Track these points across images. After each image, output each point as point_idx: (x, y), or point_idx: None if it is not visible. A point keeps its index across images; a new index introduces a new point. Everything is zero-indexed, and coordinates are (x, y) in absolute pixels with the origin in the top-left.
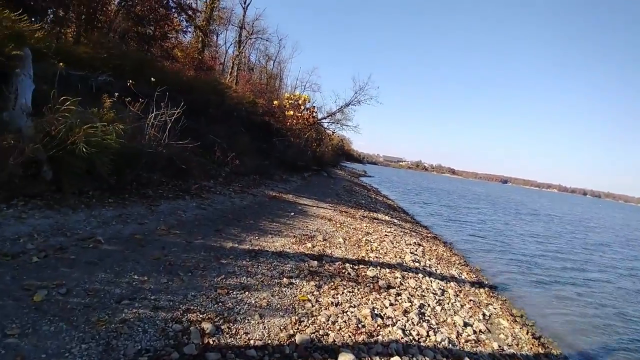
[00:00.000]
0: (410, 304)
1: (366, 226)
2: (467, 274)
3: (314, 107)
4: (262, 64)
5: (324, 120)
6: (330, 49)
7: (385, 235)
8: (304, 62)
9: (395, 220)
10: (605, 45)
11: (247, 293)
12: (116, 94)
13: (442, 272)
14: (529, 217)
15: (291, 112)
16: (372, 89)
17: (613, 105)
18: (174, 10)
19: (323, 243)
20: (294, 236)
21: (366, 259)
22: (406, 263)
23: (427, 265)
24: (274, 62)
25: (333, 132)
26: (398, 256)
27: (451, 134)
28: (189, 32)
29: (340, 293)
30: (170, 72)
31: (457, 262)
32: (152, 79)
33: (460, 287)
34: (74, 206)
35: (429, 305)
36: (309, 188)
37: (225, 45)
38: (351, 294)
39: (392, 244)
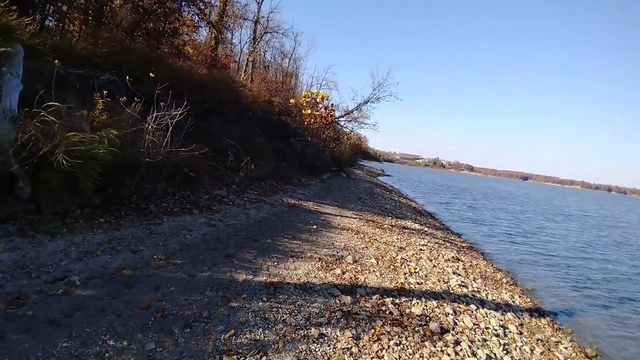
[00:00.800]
0: (475, 359)
1: (397, 239)
2: (520, 297)
3: (332, 105)
4: (278, 61)
5: (341, 119)
6: (347, 45)
7: (420, 249)
8: (319, 60)
9: (426, 229)
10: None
11: (264, 359)
12: (117, 95)
13: (494, 297)
14: (560, 217)
15: (309, 111)
16: (392, 85)
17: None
18: (183, 3)
19: (353, 266)
20: (319, 258)
21: (406, 286)
22: (453, 289)
23: (476, 289)
24: (289, 60)
25: (351, 131)
26: (441, 279)
27: (470, 130)
28: (201, 27)
29: (385, 347)
30: (181, 70)
31: (504, 280)
32: (151, 74)
33: (519, 318)
34: (52, 231)
35: (495, 356)
36: (330, 192)
37: (240, 44)
38: (399, 347)
39: (430, 261)
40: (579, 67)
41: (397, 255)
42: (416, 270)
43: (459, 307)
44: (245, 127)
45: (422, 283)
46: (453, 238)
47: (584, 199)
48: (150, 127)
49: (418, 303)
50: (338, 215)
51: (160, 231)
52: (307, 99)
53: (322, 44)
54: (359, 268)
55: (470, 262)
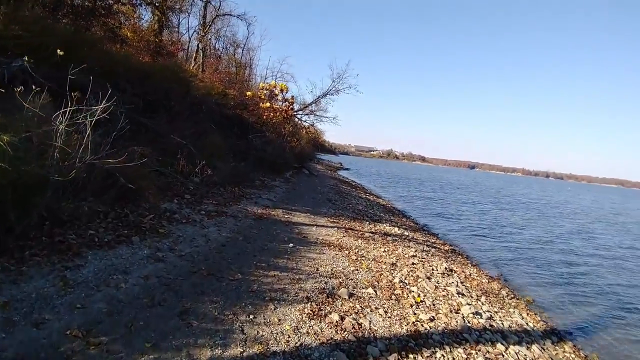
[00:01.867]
0: None
1: (385, 252)
2: (528, 314)
3: (293, 97)
4: (230, 52)
5: (300, 112)
6: (302, 36)
7: (413, 264)
8: (276, 51)
9: (406, 233)
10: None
11: None
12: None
13: (510, 323)
14: (512, 206)
15: (267, 104)
16: (351, 77)
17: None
18: None
19: (351, 304)
20: (307, 297)
21: (421, 327)
22: (469, 321)
23: (487, 314)
24: (242, 50)
25: (312, 125)
26: (452, 308)
27: (421, 123)
28: (141, 6)
29: None
30: (118, 56)
31: (504, 293)
32: (59, 52)
33: (544, 349)
34: None
35: None
36: (297, 195)
37: (188, 33)
38: None
39: (429, 279)
40: (518, 59)
41: (394, 277)
42: (421, 299)
43: (488, 352)
44: (199, 124)
45: (435, 319)
46: (433, 241)
47: (527, 185)
48: (60, 128)
49: (443, 357)
50: (313, 225)
51: (80, 280)
52: (265, 91)
53: (278, 34)
54: (357, 306)
55: (463, 271)
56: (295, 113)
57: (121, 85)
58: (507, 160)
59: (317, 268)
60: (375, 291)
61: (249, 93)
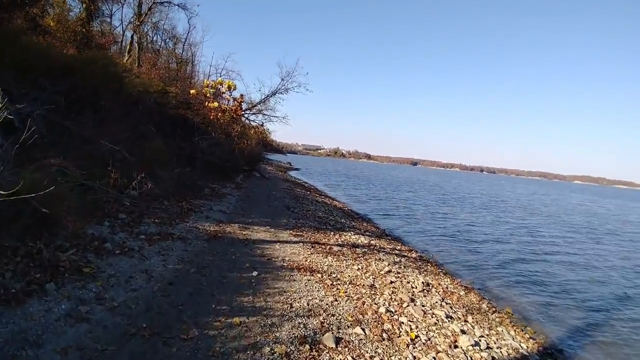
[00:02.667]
0: None
1: (359, 269)
2: (517, 333)
3: (242, 95)
4: (170, 46)
5: (248, 112)
6: (248, 33)
7: (391, 282)
8: (219, 48)
9: (372, 241)
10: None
11: None
12: None
13: (507, 350)
14: (458, 202)
15: (215, 104)
16: (301, 75)
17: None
18: None
19: (342, 358)
20: (286, 354)
21: None
22: (471, 356)
23: (482, 340)
24: (183, 45)
25: (261, 125)
26: (450, 343)
27: (367, 121)
28: None
29: None
30: (35, 48)
31: (486, 308)
32: None
33: None
34: None
35: None
36: (252, 203)
37: (122, 25)
38: None
39: (414, 302)
40: (451, 60)
41: (378, 306)
42: (415, 334)
43: None
44: (135, 126)
45: (433, 356)
46: (399, 248)
47: (466, 180)
48: None
49: None
50: (276, 242)
51: None
52: (210, 90)
53: (222, 29)
54: (349, 357)
55: (439, 284)
56: (244, 113)
57: (40, 82)
58: (446, 156)
59: (291, 304)
60: (363, 330)
61: (192, 91)
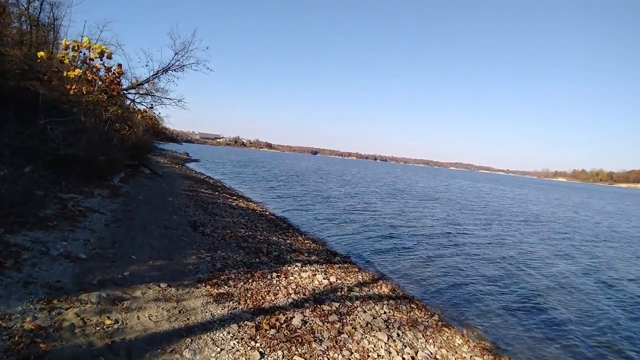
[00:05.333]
0: None
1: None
2: None
3: (120, 66)
4: (23, 5)
5: (133, 92)
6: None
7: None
8: (92, 15)
9: (332, 278)
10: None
11: None
12: None
13: None
14: (373, 191)
15: (78, 71)
16: (200, 50)
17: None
18: None
19: None
20: None
21: None
22: None
23: None
24: (41, 3)
25: (150, 108)
26: None
27: (266, 109)
28: None
29: None
30: None
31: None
32: None
33: None
34: None
35: None
36: (135, 225)
37: None
38: None
39: None
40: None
41: None
42: None
43: None
44: None
45: None
46: (364, 279)
47: (364, 168)
48: None
49: None
50: (184, 333)
51: None
52: (72, 53)
53: None
54: None
55: (412, 325)
56: (125, 92)
57: None
58: (344, 145)
59: None
60: None
61: (41, 54)
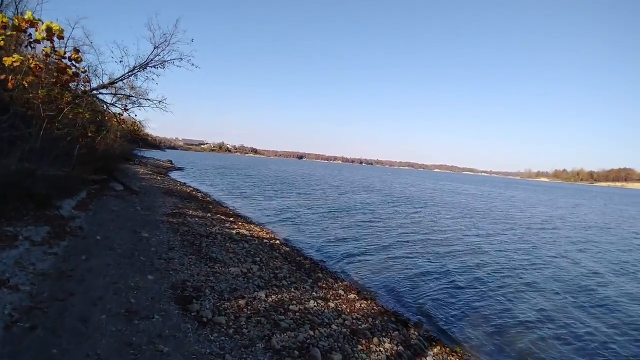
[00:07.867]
0: None
1: None
2: None
3: (77, 50)
4: None
5: (104, 92)
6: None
7: None
8: (63, 12)
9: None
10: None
11: None
12: None
13: None
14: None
15: (16, 57)
16: (184, 44)
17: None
18: None
19: None
20: None
21: None
22: None
23: None
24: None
25: (125, 109)
26: None
27: (252, 115)
28: None
29: None
30: None
31: None
32: None
33: None
34: None
35: None
36: (74, 312)
37: None
38: None
39: None
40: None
41: None
42: None
43: None
44: None
45: None
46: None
47: (350, 172)
48: None
49: None
50: None
51: None
52: (8, 32)
53: None
54: None
55: None
56: (96, 92)
57: None
58: (329, 149)
59: None
60: None
61: None
